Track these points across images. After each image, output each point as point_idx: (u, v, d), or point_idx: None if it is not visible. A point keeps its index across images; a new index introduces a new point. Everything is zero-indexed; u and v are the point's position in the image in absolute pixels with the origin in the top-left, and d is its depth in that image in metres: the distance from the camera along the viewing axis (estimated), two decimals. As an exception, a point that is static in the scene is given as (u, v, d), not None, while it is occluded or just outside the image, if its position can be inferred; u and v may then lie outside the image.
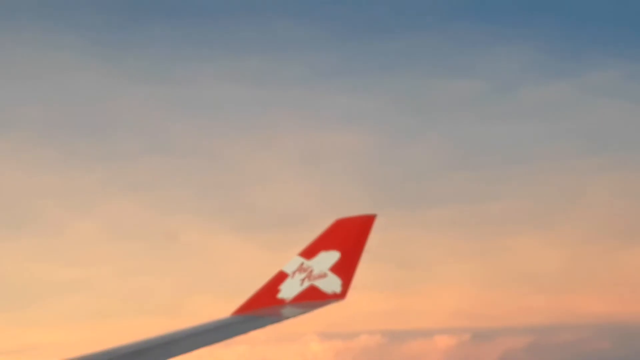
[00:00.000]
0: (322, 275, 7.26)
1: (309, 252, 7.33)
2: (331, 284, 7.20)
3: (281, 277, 7.30)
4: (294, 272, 7.27)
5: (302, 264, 7.30)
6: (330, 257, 7.28)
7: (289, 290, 7.19)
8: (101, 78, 19.68)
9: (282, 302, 7.16)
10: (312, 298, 7.16)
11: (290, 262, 7.32)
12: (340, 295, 7.20)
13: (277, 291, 7.21)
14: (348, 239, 7.38)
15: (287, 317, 6.76)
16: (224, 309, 6.88)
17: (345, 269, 7.24)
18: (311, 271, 7.27)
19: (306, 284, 7.22)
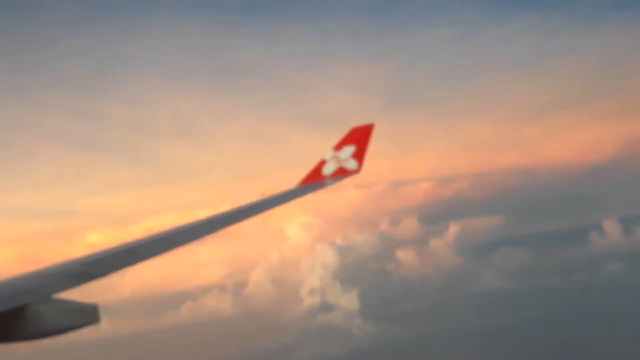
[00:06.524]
0: (346, 160, 12.36)
1: (338, 146, 12.40)
2: (352, 164, 12.32)
3: (322, 162, 12.39)
4: (330, 159, 12.36)
5: (334, 154, 12.40)
6: (350, 149, 12.35)
7: (328, 169, 12.30)
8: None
9: (324, 177, 12.29)
10: (342, 173, 12.30)
11: (327, 153, 12.42)
12: (357, 171, 12.33)
13: (321, 170, 12.32)
14: (359, 138, 12.43)
15: (330, 184, 11.94)
16: (297, 178, 12.07)
17: (359, 156, 12.35)
18: (339, 158, 12.36)
19: (337, 165, 12.33)
